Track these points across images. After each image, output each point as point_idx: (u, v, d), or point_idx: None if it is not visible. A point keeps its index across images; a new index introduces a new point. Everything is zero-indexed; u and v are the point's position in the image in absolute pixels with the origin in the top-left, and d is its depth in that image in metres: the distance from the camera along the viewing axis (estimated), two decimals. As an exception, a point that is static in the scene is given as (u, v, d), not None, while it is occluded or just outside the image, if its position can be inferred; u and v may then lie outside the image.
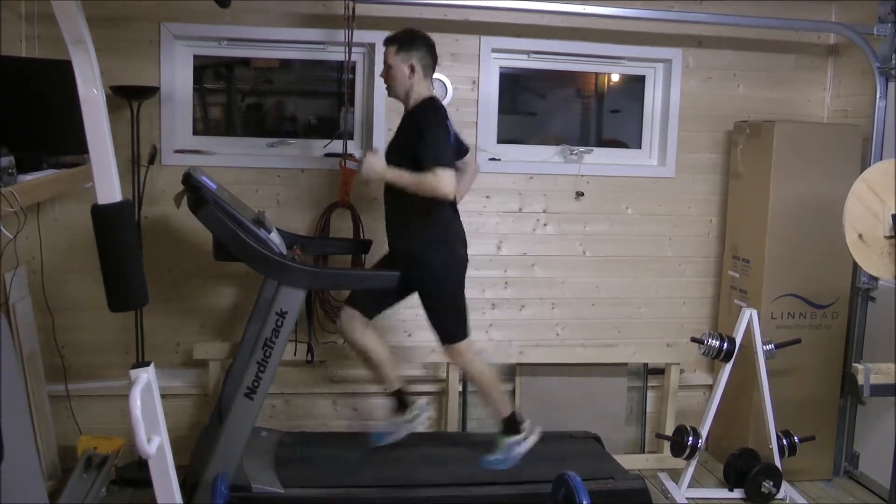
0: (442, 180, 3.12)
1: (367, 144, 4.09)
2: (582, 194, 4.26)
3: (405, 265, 3.34)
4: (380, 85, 3.61)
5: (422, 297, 3.42)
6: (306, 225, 4.02)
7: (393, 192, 3.38)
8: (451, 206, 3.39)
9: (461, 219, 3.48)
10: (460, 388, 4.10)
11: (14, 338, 3.26)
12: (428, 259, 3.34)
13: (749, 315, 3.79)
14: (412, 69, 3.29)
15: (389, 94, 3.44)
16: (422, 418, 3.63)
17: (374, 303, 3.51)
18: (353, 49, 3.89)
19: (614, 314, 4.39)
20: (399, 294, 3.45)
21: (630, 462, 3.96)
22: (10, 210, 2.57)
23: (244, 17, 3.86)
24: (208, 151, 3.98)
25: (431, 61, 3.36)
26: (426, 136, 3.19)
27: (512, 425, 3.52)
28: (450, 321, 3.44)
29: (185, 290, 3.98)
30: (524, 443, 3.50)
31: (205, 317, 4.02)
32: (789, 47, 4.37)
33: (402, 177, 3.19)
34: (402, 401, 3.60)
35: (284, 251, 3.31)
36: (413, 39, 3.32)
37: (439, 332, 3.45)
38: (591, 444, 3.87)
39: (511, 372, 4.19)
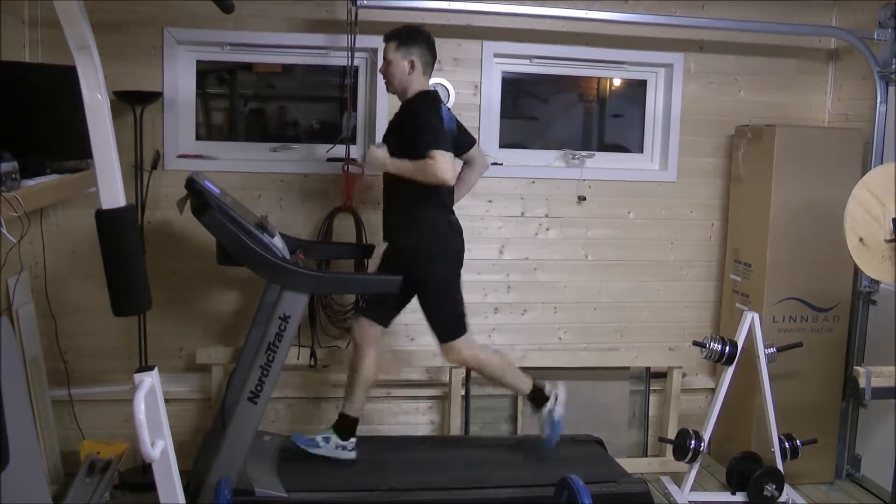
0: (438, 163, 3.13)
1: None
2: (584, 199, 4.27)
3: (401, 261, 3.38)
4: (382, 89, 3.63)
5: (417, 293, 3.43)
6: (309, 229, 4.03)
7: (390, 189, 3.43)
8: (444, 202, 3.41)
9: (466, 222, 3.48)
10: (463, 392, 4.10)
11: (17, 343, 3.26)
12: (422, 255, 3.36)
13: (751, 319, 3.79)
14: (412, 65, 3.33)
15: (388, 90, 3.46)
16: (349, 455, 3.45)
17: (386, 308, 3.51)
18: (356, 54, 3.91)
19: (616, 318, 4.39)
20: (406, 295, 3.45)
21: (632, 466, 3.96)
22: (14, 215, 2.57)
23: (247, 22, 3.87)
24: (211, 156, 3.98)
25: (431, 58, 3.40)
26: (419, 123, 3.22)
27: (539, 396, 3.58)
28: (444, 319, 3.44)
29: (188, 295, 3.99)
30: (557, 405, 3.58)
31: (208, 321, 4.03)
32: (790, 52, 4.38)
33: (404, 165, 3.23)
34: (347, 428, 3.47)
35: (287, 255, 3.32)
36: (413, 36, 3.36)
37: (435, 330, 3.45)
38: (593, 448, 3.87)
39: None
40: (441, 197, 3.36)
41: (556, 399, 3.58)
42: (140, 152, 3.70)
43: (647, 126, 4.44)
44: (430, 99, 3.35)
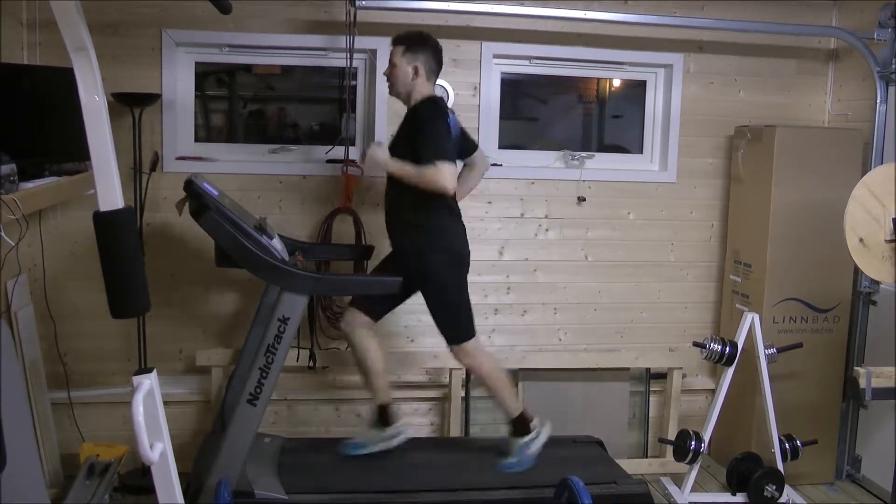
0: (441, 173, 3.13)
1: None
2: (584, 199, 4.27)
3: (405, 264, 3.36)
4: (381, 91, 3.63)
5: (424, 296, 3.42)
6: (308, 231, 4.02)
7: (394, 192, 3.40)
8: (450, 205, 3.40)
9: (466, 224, 3.48)
10: (463, 394, 4.10)
11: (16, 345, 3.26)
12: (427, 257, 3.35)
13: (751, 319, 3.79)
14: (416, 71, 3.32)
15: (390, 93, 3.45)
16: (399, 440, 3.54)
17: (379, 304, 3.50)
18: (355, 55, 3.90)
19: (616, 319, 4.39)
20: (402, 294, 3.43)
21: (633, 466, 3.96)
22: (12, 217, 2.57)
23: (246, 24, 3.87)
24: (210, 158, 3.98)
25: (436, 66, 3.39)
26: (425, 130, 3.22)
27: (522, 426, 3.51)
28: (452, 320, 3.44)
29: (187, 297, 3.98)
30: (535, 442, 3.49)
31: (207, 323, 4.02)
32: (790, 52, 4.38)
33: (404, 169, 3.22)
34: (384, 416, 3.55)
35: (286, 257, 3.31)
36: (420, 42, 3.35)
37: (444, 333, 3.44)
38: (593, 449, 3.86)
39: (514, 377, 4.18)
40: (446, 199, 3.34)
41: (535, 438, 3.49)
42: (139, 154, 3.69)
43: (646, 127, 4.43)
44: (438, 106, 3.34)
